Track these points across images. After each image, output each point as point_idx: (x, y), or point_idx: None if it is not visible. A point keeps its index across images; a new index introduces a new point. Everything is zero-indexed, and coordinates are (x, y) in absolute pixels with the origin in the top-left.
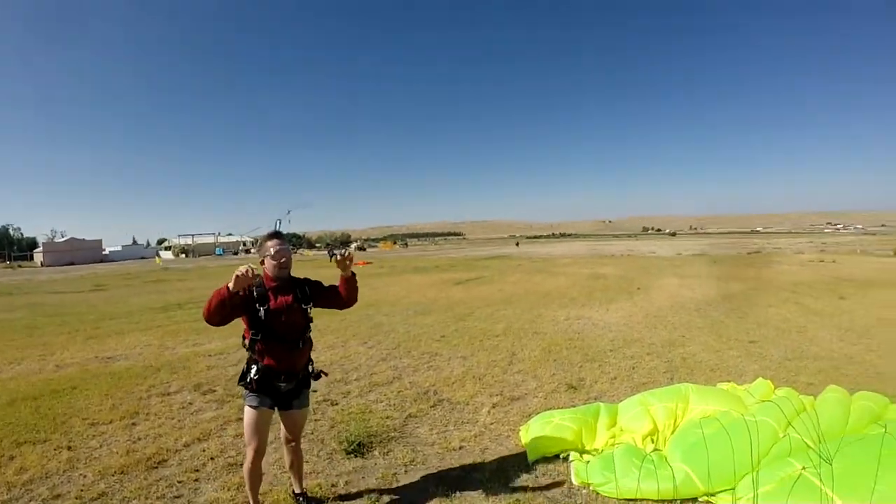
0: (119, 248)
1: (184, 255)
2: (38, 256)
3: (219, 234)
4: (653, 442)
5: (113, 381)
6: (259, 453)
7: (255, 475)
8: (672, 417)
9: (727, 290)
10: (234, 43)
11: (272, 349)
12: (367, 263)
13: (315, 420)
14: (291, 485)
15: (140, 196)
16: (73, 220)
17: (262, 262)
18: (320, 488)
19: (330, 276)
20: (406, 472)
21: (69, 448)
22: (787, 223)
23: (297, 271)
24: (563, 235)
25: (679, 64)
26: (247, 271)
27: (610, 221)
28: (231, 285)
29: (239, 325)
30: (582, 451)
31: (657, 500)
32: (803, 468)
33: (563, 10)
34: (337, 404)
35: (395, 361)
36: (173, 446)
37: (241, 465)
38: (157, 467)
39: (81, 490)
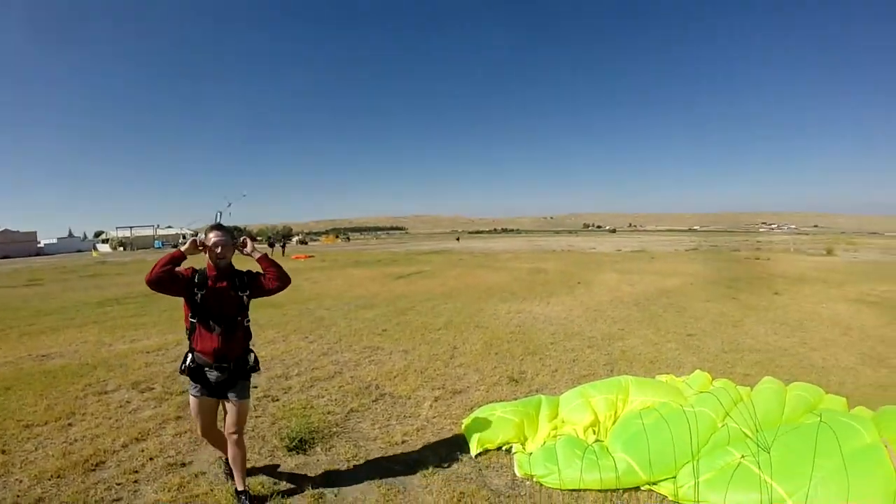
0: (55, 241)
1: (122, 248)
2: None
3: (158, 226)
4: (594, 433)
5: (48, 381)
6: (204, 430)
7: (213, 440)
8: (612, 409)
9: (665, 286)
10: (178, 30)
11: (204, 335)
12: (309, 257)
13: (256, 416)
14: (234, 483)
15: (76, 187)
16: (6, 211)
17: (205, 252)
18: (262, 486)
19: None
20: (349, 467)
21: (3, 452)
22: (724, 222)
23: (241, 266)
24: (504, 231)
25: (636, 68)
26: (202, 239)
27: (551, 217)
28: (184, 248)
29: (176, 321)
30: (524, 443)
31: (600, 490)
32: (742, 456)
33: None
34: (278, 400)
35: (337, 356)
36: (111, 447)
37: (182, 464)
38: (94, 469)
39: (17, 496)
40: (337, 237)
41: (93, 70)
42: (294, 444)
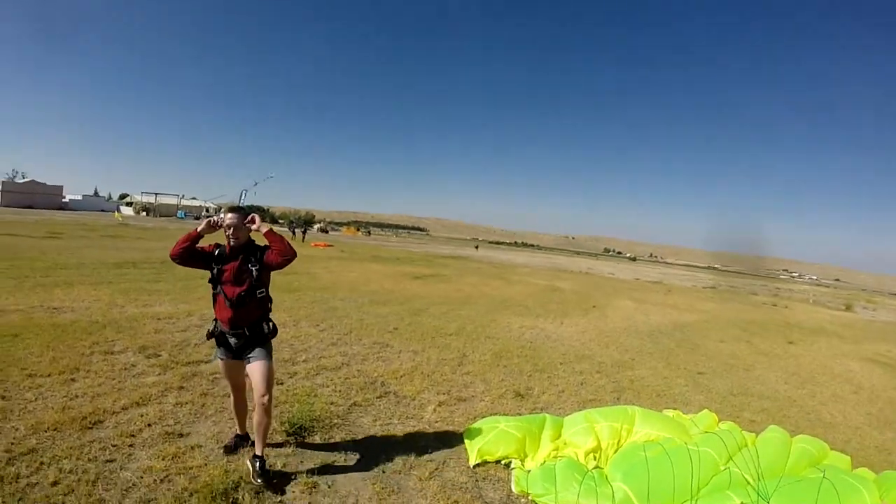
0: (80, 198)
1: (145, 213)
2: None
3: (182, 196)
4: (595, 459)
5: (56, 334)
6: (235, 390)
7: (239, 407)
8: (616, 437)
9: (680, 320)
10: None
11: (221, 305)
12: (329, 246)
13: None
14: (230, 461)
15: (106, 147)
16: (35, 163)
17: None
18: None
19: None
20: (345, 460)
21: (3, 398)
22: (744, 263)
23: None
24: (524, 245)
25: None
26: (217, 220)
27: (573, 238)
28: (200, 228)
29: (190, 291)
30: (524, 460)
31: None
32: (741, 503)
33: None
34: (282, 384)
35: (346, 348)
36: (111, 408)
37: (179, 434)
38: (91, 428)
39: (11, 444)
40: (358, 230)
41: (135, 38)
42: (294, 429)
